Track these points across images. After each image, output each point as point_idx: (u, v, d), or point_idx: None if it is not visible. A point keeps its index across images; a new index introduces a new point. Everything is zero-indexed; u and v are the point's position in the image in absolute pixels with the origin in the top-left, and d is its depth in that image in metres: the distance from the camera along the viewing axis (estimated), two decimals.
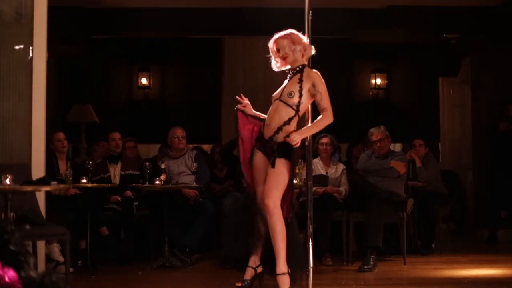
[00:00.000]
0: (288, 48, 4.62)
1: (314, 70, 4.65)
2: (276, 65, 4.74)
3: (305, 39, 4.68)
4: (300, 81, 4.57)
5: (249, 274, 4.69)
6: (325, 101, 4.57)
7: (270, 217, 4.46)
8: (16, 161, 5.33)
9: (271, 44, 4.71)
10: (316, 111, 4.66)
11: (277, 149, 4.51)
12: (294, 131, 4.55)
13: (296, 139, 4.46)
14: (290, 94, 4.55)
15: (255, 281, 4.71)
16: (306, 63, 4.69)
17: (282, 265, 4.51)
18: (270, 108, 4.69)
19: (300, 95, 4.54)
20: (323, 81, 4.59)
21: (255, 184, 4.69)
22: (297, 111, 4.54)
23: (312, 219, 4.63)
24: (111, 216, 6.65)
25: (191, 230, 6.57)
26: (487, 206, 8.54)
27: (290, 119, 4.54)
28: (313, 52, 4.69)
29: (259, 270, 4.71)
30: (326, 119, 4.58)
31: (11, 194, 4.30)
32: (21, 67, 5.48)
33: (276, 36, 4.69)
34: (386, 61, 10.49)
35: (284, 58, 4.66)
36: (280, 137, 4.54)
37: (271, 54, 4.73)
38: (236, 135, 4.89)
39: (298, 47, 4.62)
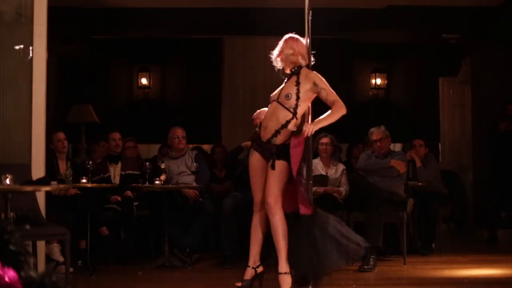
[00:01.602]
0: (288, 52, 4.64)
1: (313, 72, 4.65)
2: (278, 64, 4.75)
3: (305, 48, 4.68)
4: (297, 83, 4.56)
5: (249, 274, 4.69)
6: (331, 95, 4.57)
7: (272, 216, 4.47)
8: (16, 161, 5.33)
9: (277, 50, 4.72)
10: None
11: (276, 151, 4.51)
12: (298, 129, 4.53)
13: (310, 130, 4.44)
14: (287, 96, 4.55)
15: (255, 281, 4.71)
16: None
17: (284, 264, 4.51)
18: (267, 110, 4.69)
19: (298, 98, 4.53)
20: (323, 78, 4.60)
21: (252, 185, 4.70)
22: (294, 113, 4.53)
23: None
24: (111, 216, 6.65)
25: (191, 230, 6.57)
26: (487, 206, 8.54)
27: (288, 122, 4.53)
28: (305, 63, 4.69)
29: (259, 270, 4.71)
30: (339, 109, 4.56)
31: (11, 194, 4.30)
32: (21, 67, 5.47)
33: (284, 39, 4.70)
34: (386, 61, 10.49)
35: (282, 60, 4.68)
36: (279, 140, 4.53)
37: (273, 55, 4.73)
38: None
39: (299, 57, 4.64)
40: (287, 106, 4.54)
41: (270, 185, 4.50)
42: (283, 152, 4.50)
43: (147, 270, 6.03)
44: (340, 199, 6.67)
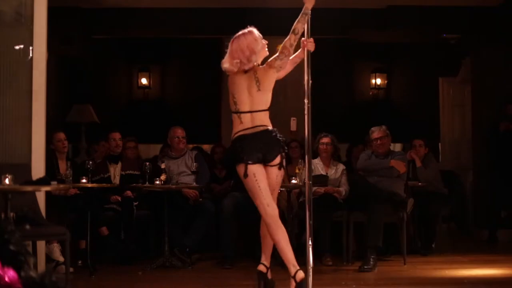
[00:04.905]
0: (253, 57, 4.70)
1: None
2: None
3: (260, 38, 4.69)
4: (257, 80, 4.60)
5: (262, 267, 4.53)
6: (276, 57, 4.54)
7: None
8: (16, 161, 5.33)
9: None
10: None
11: None
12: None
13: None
14: None
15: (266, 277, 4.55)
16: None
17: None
18: None
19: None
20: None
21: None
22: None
23: (312, 219, 4.61)
24: (111, 216, 6.65)
25: (191, 230, 6.58)
26: (487, 206, 8.54)
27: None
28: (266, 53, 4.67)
29: (261, 268, 4.57)
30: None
31: (11, 194, 4.30)
32: (21, 67, 5.48)
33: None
34: (386, 61, 10.48)
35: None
36: None
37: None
38: None
39: (254, 57, 4.68)
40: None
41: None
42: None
43: (147, 270, 6.03)
44: (340, 199, 6.67)
